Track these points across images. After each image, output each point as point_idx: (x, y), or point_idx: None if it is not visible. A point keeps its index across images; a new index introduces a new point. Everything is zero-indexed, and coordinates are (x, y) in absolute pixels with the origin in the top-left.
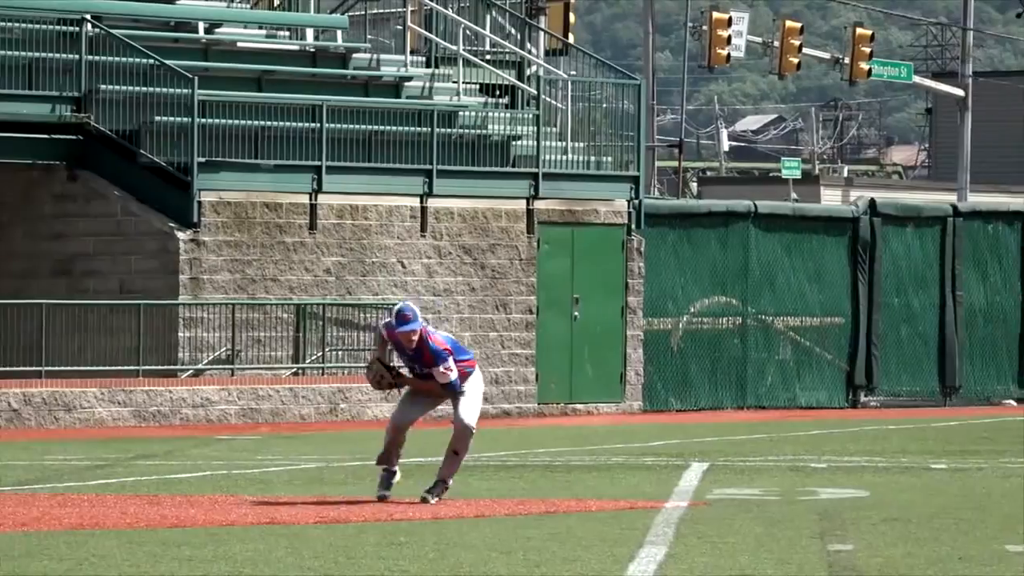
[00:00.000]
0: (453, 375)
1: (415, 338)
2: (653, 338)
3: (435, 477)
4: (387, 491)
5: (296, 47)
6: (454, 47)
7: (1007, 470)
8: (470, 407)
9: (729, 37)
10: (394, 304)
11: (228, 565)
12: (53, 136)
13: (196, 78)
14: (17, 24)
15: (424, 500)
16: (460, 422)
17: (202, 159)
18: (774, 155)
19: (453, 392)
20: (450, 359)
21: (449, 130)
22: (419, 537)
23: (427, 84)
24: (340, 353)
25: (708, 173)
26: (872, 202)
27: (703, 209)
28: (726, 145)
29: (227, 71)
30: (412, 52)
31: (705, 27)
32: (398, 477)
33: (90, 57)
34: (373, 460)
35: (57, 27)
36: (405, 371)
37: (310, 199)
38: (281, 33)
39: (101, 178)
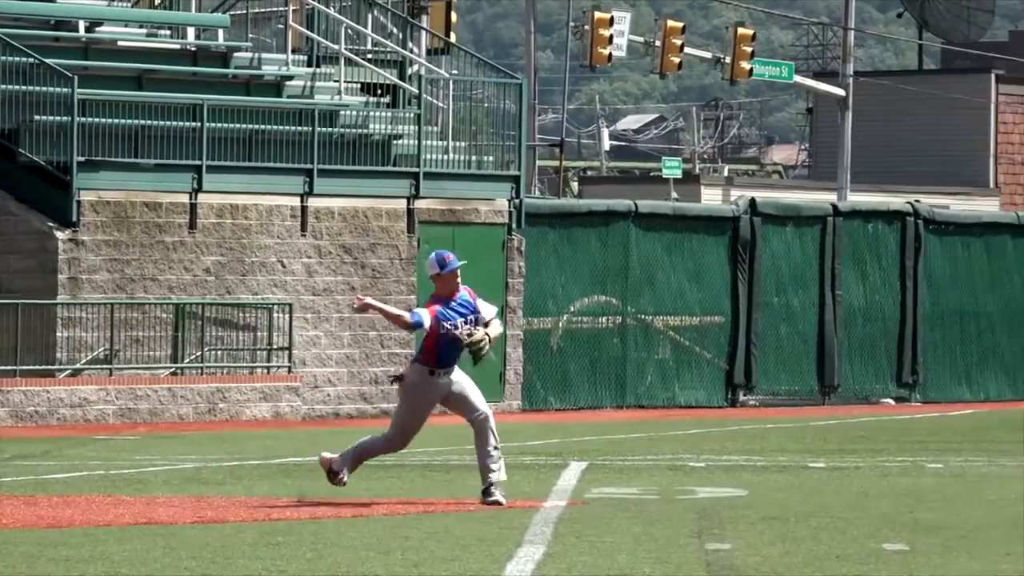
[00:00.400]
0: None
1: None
2: (533, 337)
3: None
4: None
5: (177, 46)
6: (336, 46)
7: (884, 469)
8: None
9: (611, 36)
10: (273, 305)
11: (105, 565)
12: None
13: (76, 77)
14: None
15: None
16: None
17: (82, 158)
18: (655, 154)
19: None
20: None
21: (330, 129)
22: (296, 537)
23: (308, 83)
24: (219, 353)
25: (589, 172)
26: (752, 201)
27: (583, 208)
28: (607, 144)
29: (107, 70)
30: (293, 51)
31: (587, 26)
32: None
33: None
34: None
35: None
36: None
37: (190, 198)
38: (162, 32)
39: None
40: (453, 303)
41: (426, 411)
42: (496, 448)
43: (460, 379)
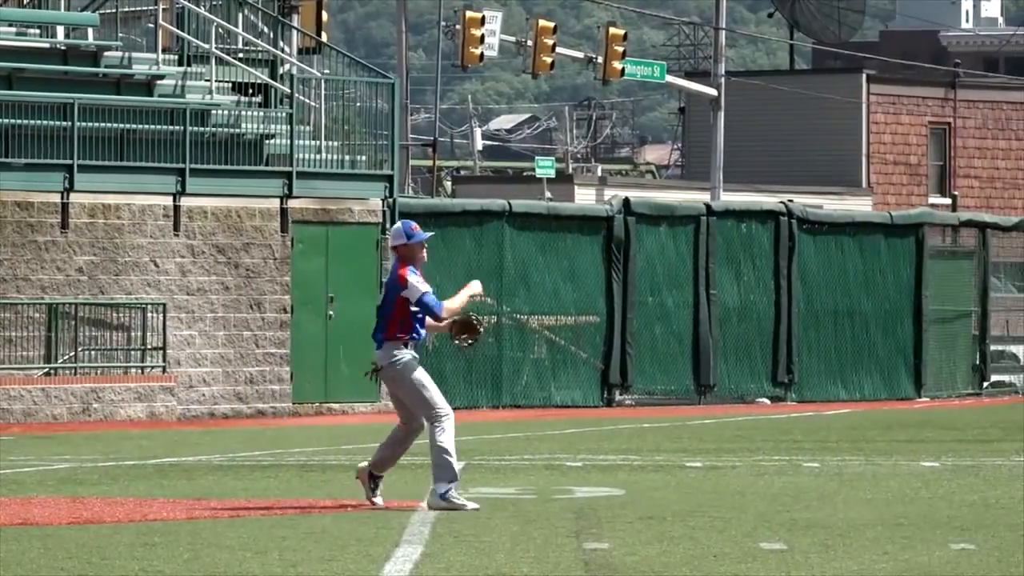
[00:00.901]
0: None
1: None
2: None
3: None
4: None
5: (46, 45)
6: (206, 45)
7: (761, 468)
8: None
9: (482, 36)
10: (147, 305)
11: None
12: None
13: None
14: None
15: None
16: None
17: None
18: (528, 154)
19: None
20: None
21: (202, 129)
22: (173, 537)
23: (179, 82)
24: (93, 353)
25: (462, 172)
26: (626, 201)
27: (457, 208)
28: (480, 144)
29: None
30: (164, 50)
31: (458, 26)
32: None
33: None
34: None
35: None
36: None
37: (62, 198)
38: (31, 31)
39: None
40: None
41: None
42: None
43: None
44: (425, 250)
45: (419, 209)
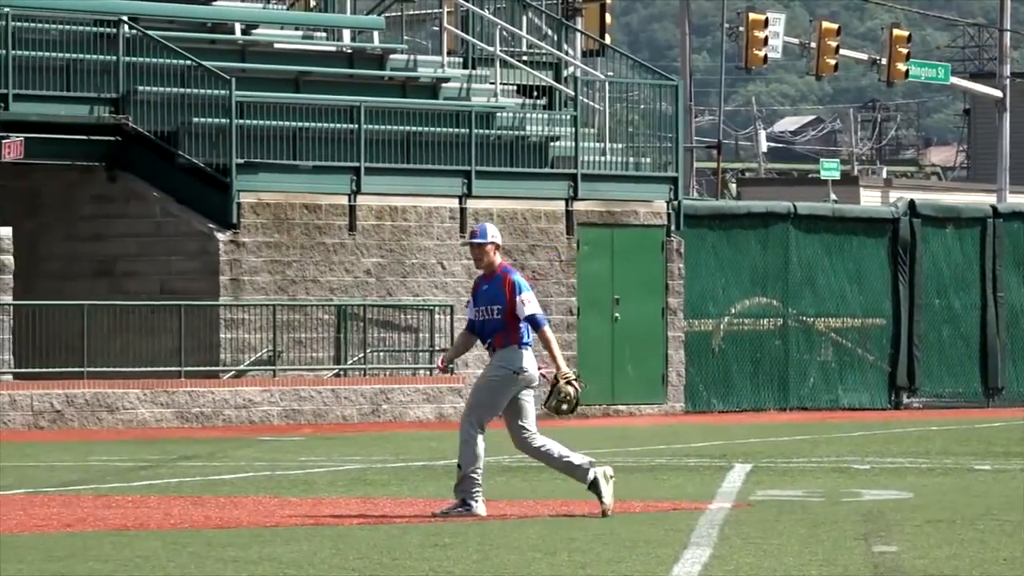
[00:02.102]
0: (533, 308)
1: (483, 258)
2: (694, 339)
3: None
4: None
5: (333, 48)
6: (491, 48)
7: None
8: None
9: (766, 38)
10: (434, 307)
11: (272, 566)
12: (91, 137)
13: (234, 79)
14: (55, 26)
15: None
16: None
17: (240, 160)
18: (812, 156)
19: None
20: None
21: (487, 131)
22: (463, 538)
23: (464, 85)
24: (381, 354)
25: (747, 174)
26: (912, 203)
27: (742, 210)
28: (764, 146)
29: (264, 72)
30: (449, 53)
31: (742, 28)
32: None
33: (128, 58)
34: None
35: (94, 28)
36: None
37: (349, 200)
38: (318, 34)
39: (140, 179)
40: (485, 285)
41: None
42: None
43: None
44: (485, 255)
45: (704, 211)
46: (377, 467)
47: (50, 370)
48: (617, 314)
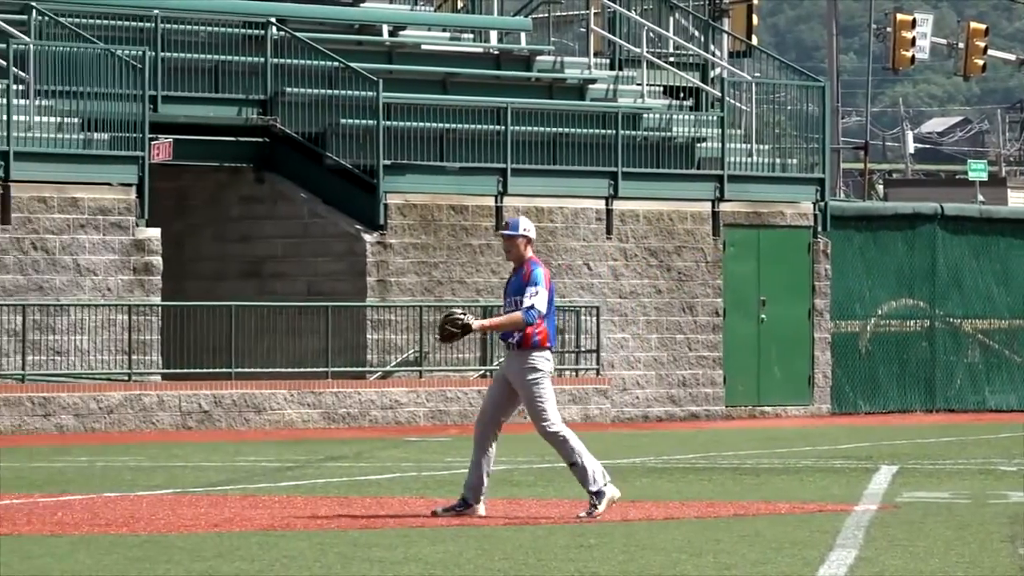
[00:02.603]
0: (532, 301)
1: (513, 250)
2: (840, 340)
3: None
4: (446, 510)
5: (480, 49)
6: (638, 49)
7: None
8: (534, 412)
9: (913, 39)
10: (580, 308)
11: (419, 566)
12: (240, 139)
13: (381, 81)
14: (203, 28)
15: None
16: (540, 433)
17: (388, 161)
18: (960, 157)
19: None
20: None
21: (633, 132)
22: (608, 539)
23: (611, 86)
24: None
25: (894, 175)
26: None
27: (889, 211)
28: (911, 147)
29: (411, 73)
30: (596, 54)
31: (889, 29)
32: (480, 509)
33: (275, 60)
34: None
35: (243, 30)
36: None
37: (496, 201)
38: (465, 35)
39: (287, 180)
40: (514, 277)
41: (491, 386)
42: (573, 465)
43: (522, 388)
44: (517, 247)
45: (850, 212)
46: (523, 468)
47: (198, 371)
48: (763, 315)
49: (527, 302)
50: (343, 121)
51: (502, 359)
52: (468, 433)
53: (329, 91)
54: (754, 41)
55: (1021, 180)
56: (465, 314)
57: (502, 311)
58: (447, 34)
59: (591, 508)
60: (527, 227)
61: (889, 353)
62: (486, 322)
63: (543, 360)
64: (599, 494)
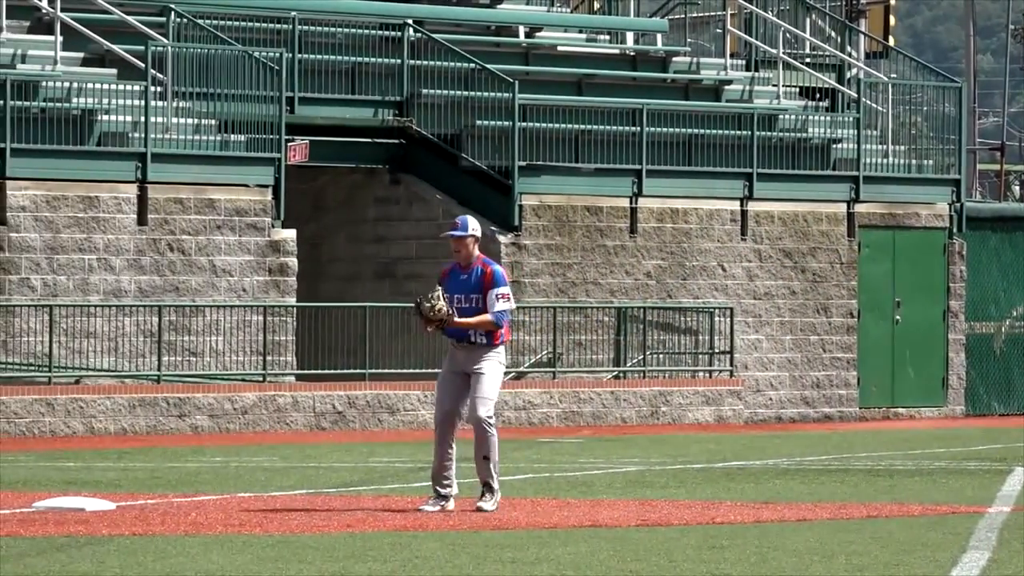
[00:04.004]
0: (505, 305)
1: (463, 250)
2: (975, 342)
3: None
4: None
5: (616, 51)
6: (774, 50)
7: None
8: (485, 392)
9: None
10: (714, 309)
11: (551, 567)
12: (375, 140)
13: (517, 82)
14: (341, 29)
15: (479, 509)
16: (473, 416)
17: (523, 163)
18: None
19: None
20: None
21: (769, 133)
22: (741, 540)
23: (747, 87)
24: (661, 356)
25: None
26: None
27: None
28: None
29: (547, 75)
30: (732, 55)
31: None
32: (450, 504)
33: (412, 61)
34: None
35: (379, 32)
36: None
37: (630, 202)
38: (601, 37)
39: (422, 181)
40: (463, 275)
41: (444, 383)
42: (486, 458)
43: (484, 370)
44: (464, 247)
45: (986, 214)
46: (656, 469)
47: (332, 372)
48: (898, 316)
49: (500, 305)
50: (479, 122)
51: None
52: (601, 435)
53: (465, 92)
54: (891, 42)
55: None
56: (448, 303)
57: (452, 306)
58: (583, 35)
59: (486, 500)
60: (475, 227)
61: None
62: (465, 321)
63: (504, 355)
64: (495, 491)
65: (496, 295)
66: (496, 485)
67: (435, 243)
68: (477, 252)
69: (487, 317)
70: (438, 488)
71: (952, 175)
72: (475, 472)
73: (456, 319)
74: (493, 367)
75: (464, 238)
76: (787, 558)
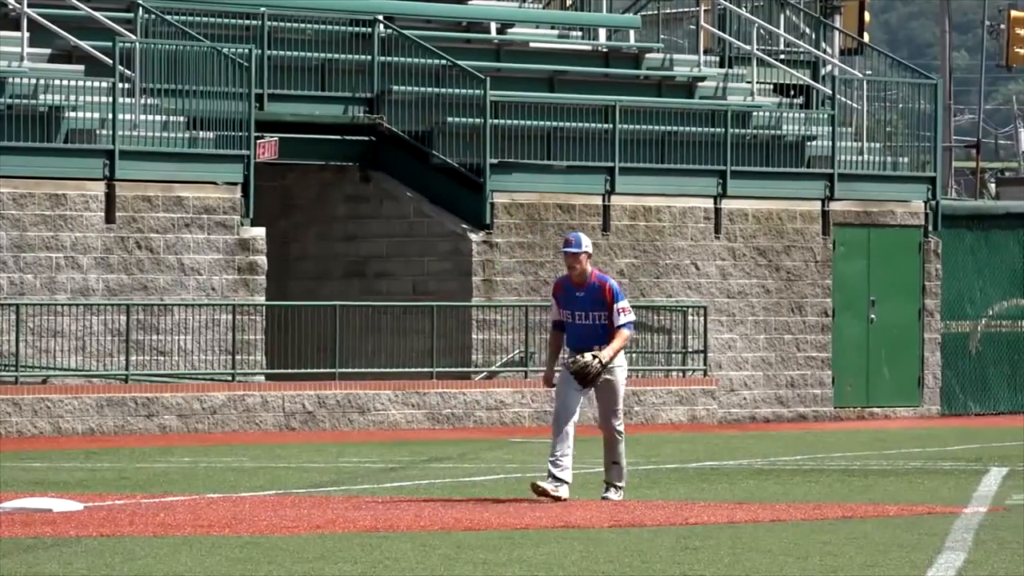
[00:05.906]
0: (630, 317)
1: (577, 267)
2: (950, 341)
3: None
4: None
5: (588, 47)
6: (748, 47)
7: None
8: (619, 403)
9: None
10: (688, 308)
11: (522, 568)
12: (345, 137)
13: (488, 79)
14: (310, 25)
15: (605, 499)
16: (608, 425)
17: (494, 160)
18: None
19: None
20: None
21: (743, 130)
22: (714, 541)
23: (720, 84)
24: (634, 355)
25: (1006, 174)
26: None
27: (1001, 210)
28: None
29: (519, 71)
30: (705, 52)
31: (1003, 25)
32: (564, 492)
33: (382, 58)
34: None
35: (350, 28)
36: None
37: (603, 200)
38: (573, 33)
39: (393, 179)
40: (579, 292)
41: (567, 383)
42: (615, 463)
43: (616, 378)
44: (579, 263)
45: (962, 212)
46: (629, 469)
47: (302, 371)
48: (873, 315)
49: (624, 318)
50: (450, 119)
51: (566, 361)
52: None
53: (436, 89)
54: (866, 38)
55: None
56: (594, 358)
57: (559, 319)
58: (555, 31)
59: (611, 492)
60: (588, 244)
61: (1000, 354)
62: (610, 352)
63: (625, 360)
64: (620, 489)
65: (618, 309)
66: (623, 484)
67: (406, 241)
68: (591, 268)
69: (622, 338)
70: (555, 473)
71: (928, 172)
72: (604, 474)
73: (604, 359)
74: (622, 375)
75: (579, 255)
76: (761, 559)
